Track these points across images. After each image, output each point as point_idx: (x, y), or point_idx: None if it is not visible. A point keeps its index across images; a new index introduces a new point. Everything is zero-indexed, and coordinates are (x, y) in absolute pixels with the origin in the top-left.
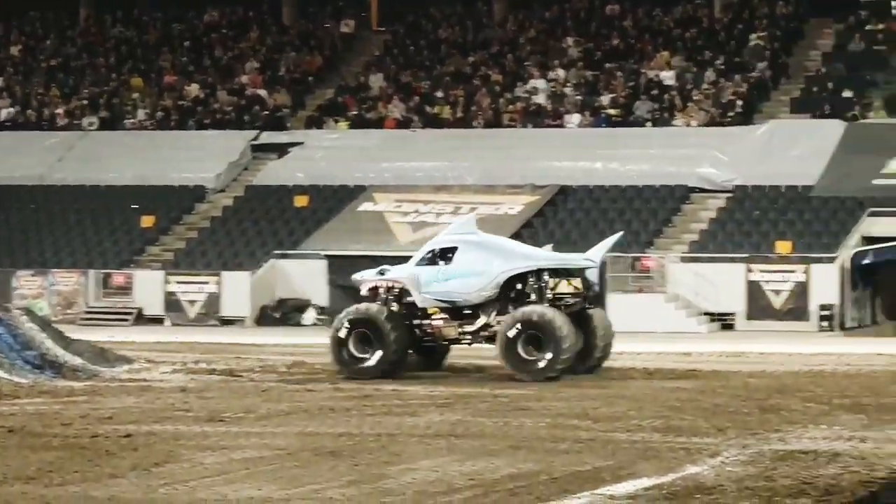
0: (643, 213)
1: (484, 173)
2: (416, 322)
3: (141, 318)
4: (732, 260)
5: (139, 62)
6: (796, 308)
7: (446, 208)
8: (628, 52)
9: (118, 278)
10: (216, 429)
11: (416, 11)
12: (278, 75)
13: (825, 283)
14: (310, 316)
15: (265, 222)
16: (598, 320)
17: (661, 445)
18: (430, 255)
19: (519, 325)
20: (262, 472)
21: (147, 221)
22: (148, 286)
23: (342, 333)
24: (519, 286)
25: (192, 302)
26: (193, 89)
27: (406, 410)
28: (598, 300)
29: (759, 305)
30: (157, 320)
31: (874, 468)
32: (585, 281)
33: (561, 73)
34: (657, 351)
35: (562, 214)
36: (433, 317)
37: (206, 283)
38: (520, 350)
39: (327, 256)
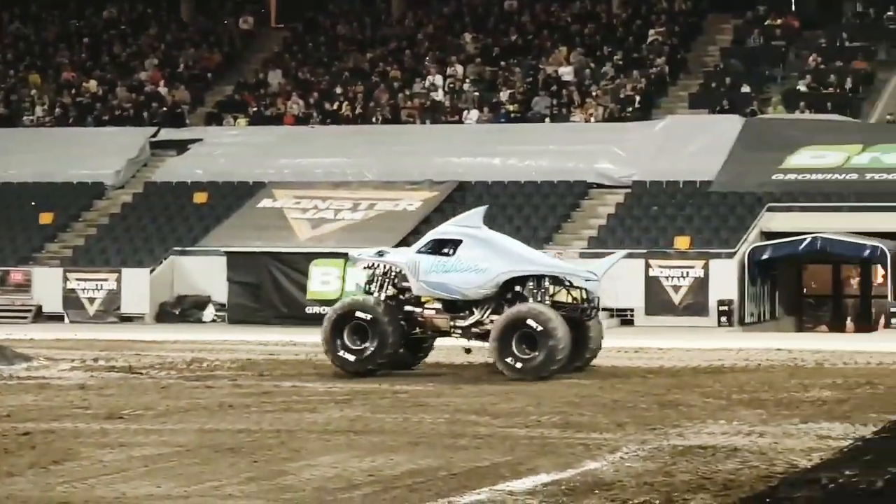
0: (542, 209)
1: (383, 169)
2: (407, 309)
3: (40, 316)
4: (631, 255)
5: (37, 59)
6: (695, 303)
7: (345, 204)
8: (526, 48)
9: (16, 275)
10: (115, 426)
11: (314, 8)
12: (177, 72)
13: (724, 278)
14: (209, 312)
15: (164, 219)
16: (594, 328)
17: (560, 441)
18: (432, 244)
19: (516, 322)
20: (162, 470)
21: (46, 218)
22: (47, 283)
23: (337, 325)
24: (517, 288)
25: (91, 299)
26: (92, 86)
27: (305, 407)
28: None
29: (657, 301)
30: (56, 317)
31: (773, 463)
32: (585, 293)
33: (459, 69)
34: None
35: (460, 210)
36: (426, 306)
37: (105, 279)
38: (513, 348)
39: (227, 253)
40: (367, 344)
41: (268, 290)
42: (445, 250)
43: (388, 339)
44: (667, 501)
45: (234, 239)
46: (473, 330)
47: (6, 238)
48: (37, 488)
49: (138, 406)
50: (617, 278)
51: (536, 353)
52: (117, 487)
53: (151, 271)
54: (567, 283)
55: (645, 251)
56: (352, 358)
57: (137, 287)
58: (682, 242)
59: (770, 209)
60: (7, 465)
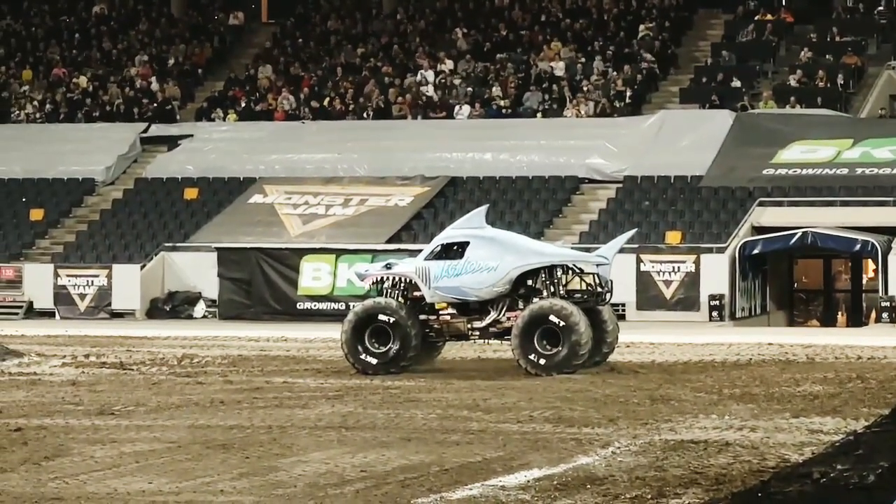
0: (533, 204)
1: (374, 165)
2: (422, 318)
3: (31, 312)
4: (622, 250)
5: (28, 55)
6: (686, 298)
7: (336, 200)
8: (517, 43)
9: (7, 271)
10: (107, 422)
11: (305, 3)
12: (167, 67)
13: (715, 273)
14: (200, 308)
15: (155, 215)
16: (607, 315)
17: (552, 436)
18: (439, 249)
19: (537, 319)
20: (153, 466)
21: (36, 214)
22: (38, 279)
23: (358, 328)
24: (529, 282)
25: (82, 295)
26: (82, 82)
27: (297, 403)
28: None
29: (649, 296)
30: (47, 314)
31: (764, 457)
32: (598, 278)
33: (450, 64)
34: None
35: (452, 206)
36: (441, 312)
37: (96, 276)
38: (535, 344)
39: (217, 249)
40: (389, 346)
41: (259, 285)
42: (453, 254)
43: (412, 341)
44: (658, 496)
45: (224, 235)
46: (492, 330)
47: None
48: (29, 484)
49: (129, 402)
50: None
51: (560, 349)
52: (109, 483)
53: (142, 267)
54: (578, 270)
55: (636, 246)
56: (374, 361)
57: (128, 283)
58: (673, 237)
59: (761, 204)
60: None
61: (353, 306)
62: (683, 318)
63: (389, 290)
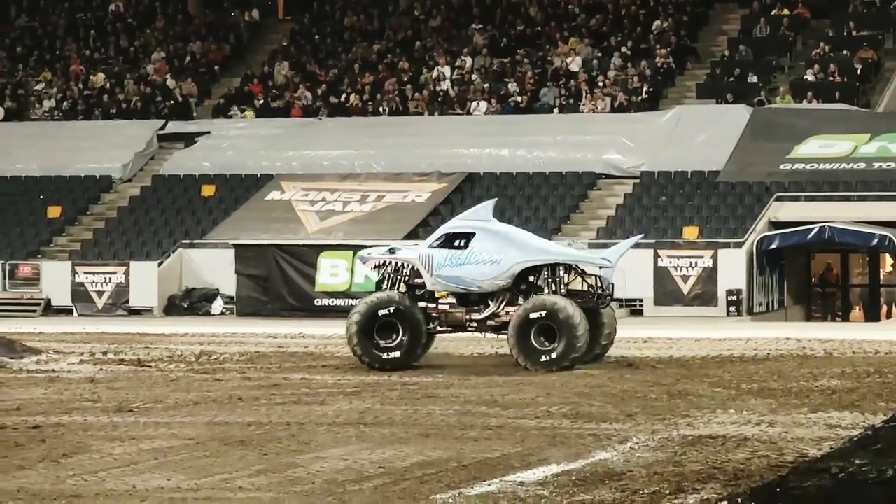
0: (550, 200)
1: (391, 161)
2: (421, 305)
3: (49, 309)
4: (640, 246)
5: (45, 52)
6: (704, 293)
7: (353, 196)
8: (534, 39)
9: (25, 269)
10: (125, 419)
11: None
12: (184, 64)
13: (732, 268)
14: (218, 305)
15: (172, 212)
16: (606, 314)
17: (570, 432)
18: (444, 238)
19: (534, 314)
20: (171, 462)
21: (54, 212)
22: (55, 277)
23: (364, 327)
24: (532, 279)
25: (99, 292)
26: (99, 79)
27: (315, 399)
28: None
29: (666, 291)
30: (65, 311)
31: (782, 452)
32: (600, 280)
33: (467, 60)
34: None
35: (469, 202)
36: (440, 301)
37: (113, 273)
38: (532, 340)
39: (235, 245)
40: (399, 339)
41: (276, 282)
42: (458, 244)
43: (422, 327)
44: (677, 491)
45: (242, 231)
46: (490, 323)
47: (15, 232)
48: (47, 481)
49: (148, 399)
50: (626, 269)
51: (556, 345)
52: (128, 480)
53: (160, 264)
54: (581, 271)
55: (654, 241)
56: (387, 355)
57: (146, 280)
58: (690, 232)
59: (778, 199)
60: (18, 459)
61: (356, 303)
62: (701, 313)
63: (391, 276)
